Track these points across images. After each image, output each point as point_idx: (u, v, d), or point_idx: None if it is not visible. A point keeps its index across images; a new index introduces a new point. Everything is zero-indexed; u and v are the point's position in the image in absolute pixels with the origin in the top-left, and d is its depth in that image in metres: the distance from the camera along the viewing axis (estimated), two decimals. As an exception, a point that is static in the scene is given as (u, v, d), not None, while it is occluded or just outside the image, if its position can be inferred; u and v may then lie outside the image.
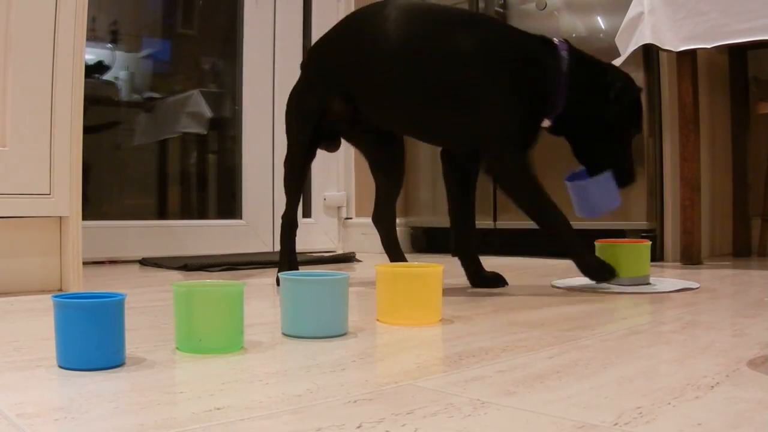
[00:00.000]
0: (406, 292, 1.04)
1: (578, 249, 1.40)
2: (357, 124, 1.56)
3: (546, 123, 1.44)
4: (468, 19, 1.44)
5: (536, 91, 1.40)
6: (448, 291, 1.42)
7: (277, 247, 1.64)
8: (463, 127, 1.41)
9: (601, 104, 1.41)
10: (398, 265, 1.20)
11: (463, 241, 1.53)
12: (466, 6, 2.50)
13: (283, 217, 1.60)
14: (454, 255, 1.55)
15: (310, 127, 1.53)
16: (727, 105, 2.40)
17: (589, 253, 1.43)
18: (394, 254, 1.70)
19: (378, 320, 1.06)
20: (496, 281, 1.50)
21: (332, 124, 1.55)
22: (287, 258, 1.58)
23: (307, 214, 2.88)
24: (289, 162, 1.58)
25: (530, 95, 1.39)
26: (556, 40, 1.43)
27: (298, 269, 1.53)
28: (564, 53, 1.41)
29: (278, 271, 1.57)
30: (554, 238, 1.41)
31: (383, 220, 1.71)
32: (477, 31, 1.41)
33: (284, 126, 1.61)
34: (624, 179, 1.46)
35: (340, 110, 1.52)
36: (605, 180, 1.45)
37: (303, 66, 1.62)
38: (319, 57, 1.56)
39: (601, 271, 1.41)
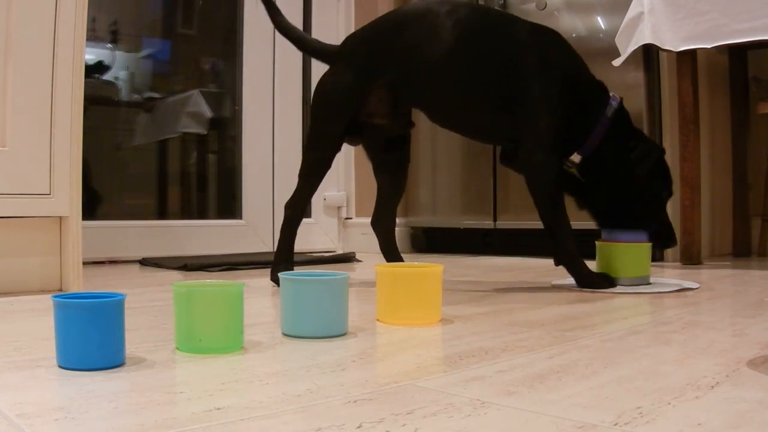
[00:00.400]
0: (406, 292, 1.04)
1: (577, 263, 1.44)
2: (388, 119, 1.56)
3: (576, 158, 1.48)
4: (536, 29, 1.51)
5: (577, 118, 1.46)
6: (448, 291, 1.42)
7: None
8: (510, 127, 1.48)
9: (627, 162, 1.46)
10: (398, 265, 1.20)
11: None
12: (466, 6, 2.50)
13: (290, 207, 1.55)
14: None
15: (346, 117, 1.52)
16: (727, 105, 2.40)
17: (586, 266, 1.45)
18: (393, 259, 1.69)
19: (378, 320, 1.06)
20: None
21: (364, 117, 1.54)
22: (286, 255, 1.54)
23: (307, 214, 2.88)
24: (314, 152, 1.54)
25: (571, 118, 1.45)
26: (611, 92, 1.50)
27: (293, 269, 1.52)
28: (614, 103, 1.47)
29: (272, 269, 1.55)
30: (558, 248, 1.45)
31: (382, 224, 1.70)
32: (544, 42, 1.49)
33: (312, 115, 1.57)
34: (659, 241, 1.52)
35: (382, 101, 1.53)
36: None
37: (341, 55, 1.57)
38: (367, 46, 1.55)
39: (596, 281, 1.44)
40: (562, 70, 1.46)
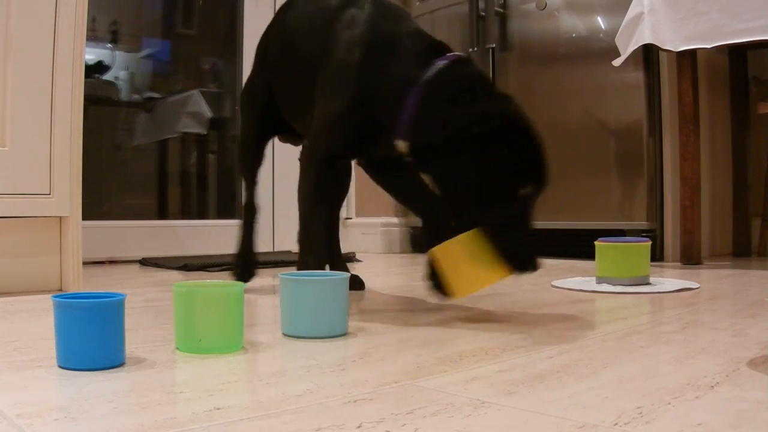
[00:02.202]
0: (473, 254, 1.01)
1: (307, 265, 1.21)
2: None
3: (402, 146, 1.11)
4: (354, 3, 1.22)
5: (375, 96, 1.13)
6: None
7: (278, 247, 1.61)
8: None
9: (471, 138, 1.01)
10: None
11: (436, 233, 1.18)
12: (465, 7, 2.50)
13: (245, 217, 1.52)
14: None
15: (258, 111, 1.49)
16: (727, 105, 2.40)
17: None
18: (333, 261, 1.48)
19: (454, 295, 1.05)
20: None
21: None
22: (246, 249, 1.49)
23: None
24: (241, 145, 1.56)
25: (365, 99, 1.14)
26: (453, 53, 1.12)
27: (256, 266, 1.51)
28: (440, 63, 1.08)
29: (233, 269, 1.49)
30: (300, 250, 1.26)
31: (327, 224, 1.50)
32: (349, 16, 1.20)
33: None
34: (515, 263, 1.03)
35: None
36: None
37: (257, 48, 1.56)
38: (260, 43, 1.52)
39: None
40: (358, 45, 1.15)
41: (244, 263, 1.49)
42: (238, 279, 1.46)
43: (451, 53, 1.11)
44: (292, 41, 1.35)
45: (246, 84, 1.56)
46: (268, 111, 1.49)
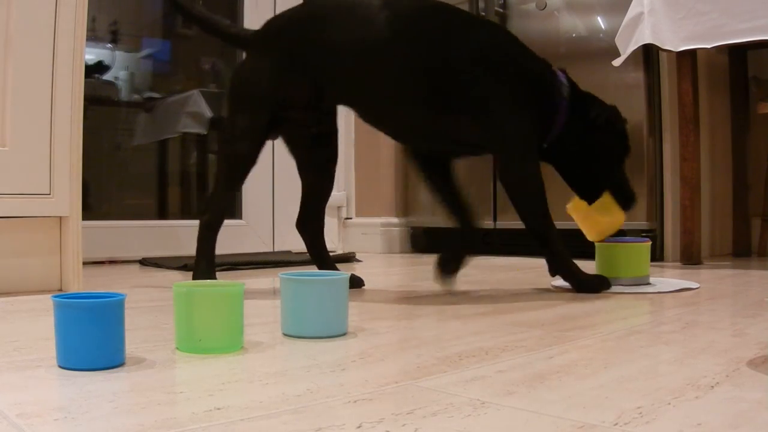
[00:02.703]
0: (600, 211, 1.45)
1: (573, 269, 1.40)
2: (304, 117, 1.44)
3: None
4: (476, 22, 1.45)
5: (540, 109, 1.40)
6: (448, 291, 1.41)
7: (278, 247, 1.60)
8: (471, 130, 1.37)
9: (593, 131, 1.43)
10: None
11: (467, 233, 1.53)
12: (466, 6, 2.50)
13: (206, 210, 1.43)
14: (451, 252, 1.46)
15: (269, 108, 1.39)
16: (727, 105, 2.40)
17: (581, 271, 1.41)
18: (322, 261, 1.54)
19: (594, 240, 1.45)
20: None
21: (281, 110, 1.41)
22: (206, 265, 1.40)
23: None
24: (234, 147, 1.41)
25: (535, 110, 1.39)
26: (554, 68, 1.46)
27: (216, 277, 1.40)
28: (563, 79, 1.43)
29: (193, 278, 1.40)
30: (552, 256, 1.41)
31: (309, 226, 1.55)
32: (489, 35, 1.42)
33: (229, 106, 1.44)
34: (625, 202, 1.48)
35: (302, 94, 1.39)
36: None
37: (260, 41, 1.45)
38: (289, 34, 1.42)
39: (595, 284, 1.40)
40: (521, 68, 1.40)
41: (208, 275, 1.40)
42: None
43: (549, 65, 1.46)
44: (404, 49, 1.35)
45: (246, 78, 1.43)
46: (276, 111, 1.40)
